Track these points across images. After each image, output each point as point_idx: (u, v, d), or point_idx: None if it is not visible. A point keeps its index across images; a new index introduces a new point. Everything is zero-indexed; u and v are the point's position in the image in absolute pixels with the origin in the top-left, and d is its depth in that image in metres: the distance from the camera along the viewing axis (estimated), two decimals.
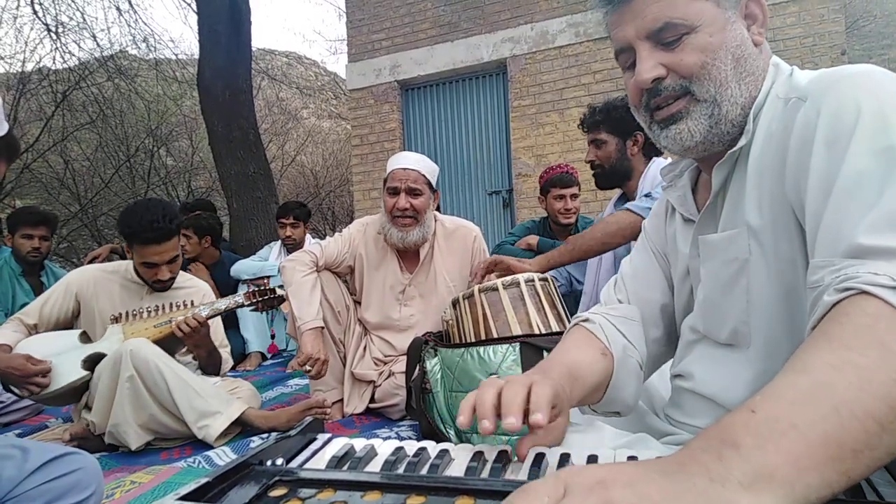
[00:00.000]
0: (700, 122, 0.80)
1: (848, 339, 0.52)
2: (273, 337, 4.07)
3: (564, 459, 0.62)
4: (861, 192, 0.61)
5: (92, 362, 2.08)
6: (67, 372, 2.07)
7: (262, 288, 2.33)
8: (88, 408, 2.10)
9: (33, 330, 2.23)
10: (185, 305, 2.27)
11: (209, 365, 2.38)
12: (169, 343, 2.19)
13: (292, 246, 4.08)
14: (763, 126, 0.79)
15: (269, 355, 4.03)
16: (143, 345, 2.04)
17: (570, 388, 0.77)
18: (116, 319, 2.22)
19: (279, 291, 2.34)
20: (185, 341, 2.22)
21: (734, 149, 0.81)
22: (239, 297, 2.30)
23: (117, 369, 2.00)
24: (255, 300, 2.31)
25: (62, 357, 2.10)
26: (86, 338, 2.21)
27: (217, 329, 2.50)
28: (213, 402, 2.08)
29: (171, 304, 2.27)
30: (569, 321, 1.99)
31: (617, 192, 2.55)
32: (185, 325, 2.15)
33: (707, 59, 0.78)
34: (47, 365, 2.02)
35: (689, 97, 0.81)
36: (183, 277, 2.47)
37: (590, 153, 2.42)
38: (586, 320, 0.96)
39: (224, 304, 2.25)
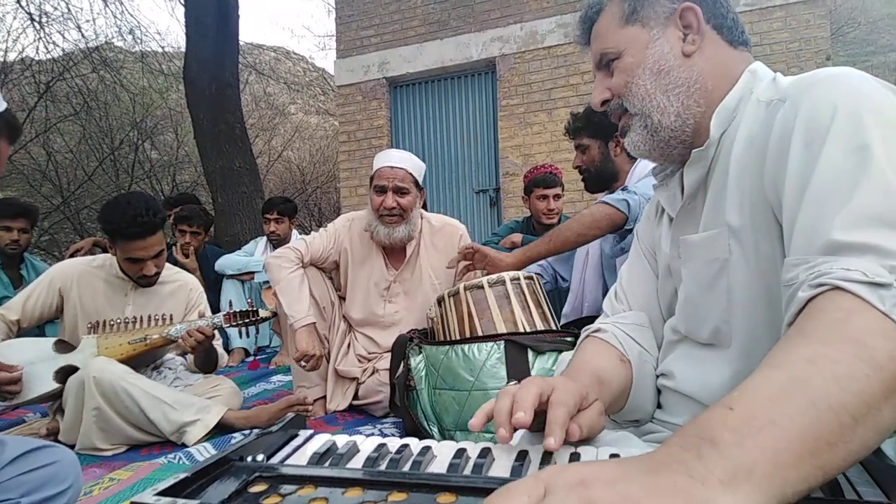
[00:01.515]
0: (638, 132, 0.90)
1: (822, 334, 0.52)
2: (256, 354, 4.02)
3: (547, 457, 0.61)
4: (835, 190, 0.62)
5: (64, 374, 2.04)
6: (39, 382, 2.03)
7: (245, 310, 2.24)
8: (62, 410, 2.06)
9: (15, 325, 2.18)
10: (164, 320, 2.22)
11: (205, 365, 2.34)
12: (139, 358, 2.17)
13: (277, 241, 4.07)
14: (744, 128, 0.81)
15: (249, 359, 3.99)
16: (107, 367, 1.98)
17: (598, 391, 0.77)
18: (93, 328, 2.17)
19: (262, 313, 2.25)
20: (192, 352, 2.19)
21: (700, 148, 0.85)
22: (218, 317, 2.20)
23: (81, 397, 1.95)
24: (235, 322, 2.22)
25: (35, 367, 2.04)
26: (60, 346, 2.14)
27: None
28: (190, 412, 2.05)
29: (149, 318, 2.21)
30: (554, 320, 2.03)
31: (604, 195, 2.57)
32: (189, 338, 2.11)
33: (628, 79, 0.89)
34: (19, 373, 1.93)
35: (627, 113, 0.91)
36: (170, 271, 2.42)
37: (576, 159, 2.45)
38: (597, 330, 0.97)
39: (203, 323, 2.16)
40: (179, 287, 2.42)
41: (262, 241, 4.26)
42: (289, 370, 2.96)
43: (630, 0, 0.90)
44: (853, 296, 0.53)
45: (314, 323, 2.29)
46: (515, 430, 0.64)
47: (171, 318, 2.26)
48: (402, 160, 2.39)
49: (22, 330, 2.20)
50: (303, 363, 2.19)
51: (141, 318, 2.20)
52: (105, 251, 2.53)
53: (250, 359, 3.92)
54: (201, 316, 2.23)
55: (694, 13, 0.87)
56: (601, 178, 2.39)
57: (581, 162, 2.42)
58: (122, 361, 2.09)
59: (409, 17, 6.52)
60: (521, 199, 3.59)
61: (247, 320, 2.24)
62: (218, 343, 2.49)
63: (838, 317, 0.53)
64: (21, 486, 1.01)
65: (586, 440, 0.68)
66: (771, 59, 5.21)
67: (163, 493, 0.52)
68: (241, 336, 2.25)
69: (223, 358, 2.45)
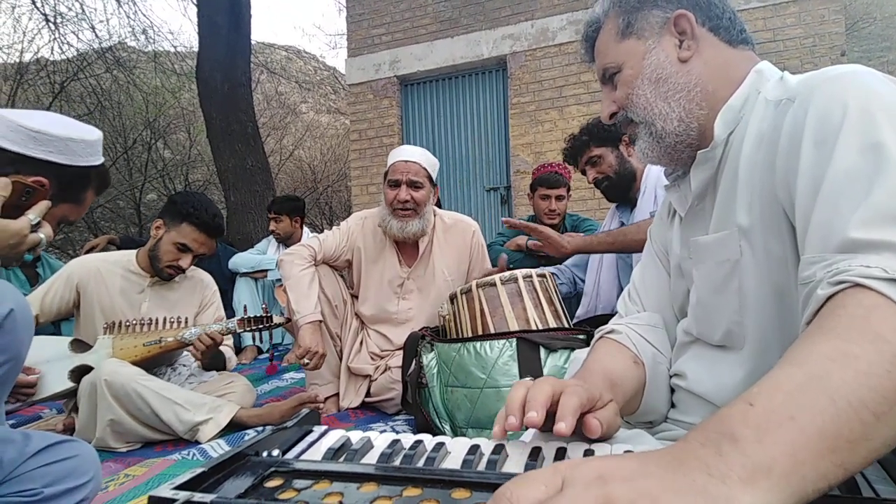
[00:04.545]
0: (645, 140, 0.91)
1: (843, 331, 0.52)
2: (272, 359, 4.04)
3: (561, 453, 0.61)
4: (850, 189, 0.62)
5: (79, 374, 2.06)
6: (54, 381, 2.04)
7: (259, 315, 2.27)
8: (77, 407, 2.09)
9: (34, 321, 2.20)
10: (179, 323, 2.25)
11: (211, 367, 2.37)
12: (152, 360, 2.19)
13: (280, 239, 4.10)
14: (753, 127, 0.81)
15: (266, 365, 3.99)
16: (118, 370, 2.00)
17: (611, 393, 0.77)
18: (109, 329, 2.19)
19: (276, 319, 2.28)
20: (198, 355, 2.22)
21: (706, 149, 0.85)
22: (232, 322, 2.24)
23: (94, 399, 1.97)
24: (249, 328, 2.25)
25: (51, 365, 2.06)
26: (76, 346, 2.16)
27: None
28: (201, 412, 2.07)
29: (164, 320, 2.23)
30: (566, 318, 2.02)
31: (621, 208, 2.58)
32: (200, 343, 2.15)
33: (629, 91, 0.91)
34: (35, 377, 1.97)
35: (633, 123, 0.93)
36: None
37: (590, 175, 2.44)
38: (611, 332, 0.97)
39: (217, 328, 2.20)
40: (194, 284, 2.46)
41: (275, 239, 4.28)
42: (301, 367, 2.96)
43: (625, 15, 0.92)
44: (874, 292, 0.53)
45: (320, 321, 2.29)
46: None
47: (186, 322, 2.29)
48: (416, 155, 2.40)
49: (40, 325, 2.23)
50: (305, 360, 2.18)
51: (157, 320, 2.22)
52: (119, 249, 2.55)
53: (264, 356, 3.94)
54: (218, 320, 2.25)
55: (687, 19, 0.88)
56: (622, 181, 2.40)
57: (598, 173, 2.42)
58: (136, 363, 2.11)
59: (419, 16, 6.52)
60: (527, 196, 3.57)
61: (261, 325, 2.27)
62: (229, 342, 2.50)
63: (859, 313, 0.52)
64: (44, 477, 1.04)
65: (603, 438, 0.68)
66: (785, 55, 5.16)
67: (180, 488, 0.53)
68: (254, 341, 2.27)
69: (231, 361, 2.48)
